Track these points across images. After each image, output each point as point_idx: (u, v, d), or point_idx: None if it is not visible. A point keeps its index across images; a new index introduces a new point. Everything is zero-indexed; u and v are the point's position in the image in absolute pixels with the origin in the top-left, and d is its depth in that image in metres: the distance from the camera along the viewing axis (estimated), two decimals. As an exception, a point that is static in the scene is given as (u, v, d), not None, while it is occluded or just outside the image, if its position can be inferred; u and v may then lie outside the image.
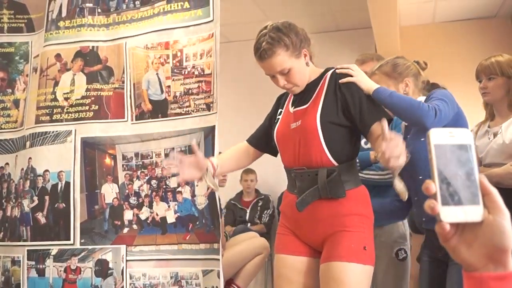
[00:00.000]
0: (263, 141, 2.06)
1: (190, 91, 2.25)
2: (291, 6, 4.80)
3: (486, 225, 0.66)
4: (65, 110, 2.39)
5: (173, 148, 2.25)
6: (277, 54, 1.78)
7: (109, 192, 2.31)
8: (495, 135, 2.23)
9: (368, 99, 1.80)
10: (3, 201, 2.48)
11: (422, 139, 1.95)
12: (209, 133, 2.17)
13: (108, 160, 2.33)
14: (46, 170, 2.35)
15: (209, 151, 2.15)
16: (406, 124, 2.18)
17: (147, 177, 2.29)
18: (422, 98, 1.99)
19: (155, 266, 2.20)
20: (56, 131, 2.37)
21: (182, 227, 2.19)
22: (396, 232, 2.36)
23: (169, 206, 2.23)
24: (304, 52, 1.86)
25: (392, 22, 4.44)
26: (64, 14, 2.50)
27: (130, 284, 2.21)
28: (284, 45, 1.78)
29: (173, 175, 2.24)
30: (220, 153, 3.07)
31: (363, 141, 2.53)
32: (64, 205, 2.30)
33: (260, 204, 4.93)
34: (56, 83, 2.44)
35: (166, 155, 2.26)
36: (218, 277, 2.06)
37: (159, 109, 2.29)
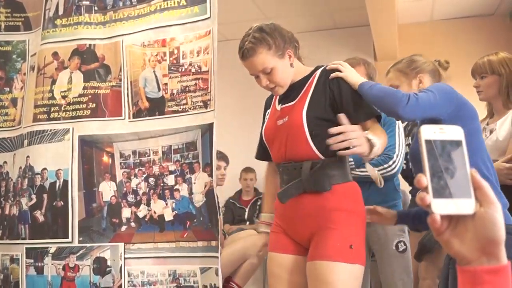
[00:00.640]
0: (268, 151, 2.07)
1: (187, 88, 2.25)
2: (288, 5, 4.80)
3: (478, 218, 0.67)
4: (62, 109, 2.39)
5: (170, 146, 2.25)
6: (258, 53, 1.81)
7: (107, 190, 2.31)
8: (491, 132, 2.25)
9: (357, 95, 1.81)
10: (1, 199, 2.48)
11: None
12: (206, 130, 2.17)
13: (105, 158, 2.33)
14: (44, 169, 2.35)
15: (207, 148, 2.16)
16: (404, 124, 2.19)
17: (144, 175, 2.29)
18: None
19: (153, 264, 2.20)
20: (54, 129, 2.37)
21: (180, 225, 2.19)
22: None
23: (166, 204, 2.23)
24: (288, 52, 1.88)
25: (390, 20, 4.45)
26: (61, 12, 2.50)
27: (129, 281, 2.21)
28: (266, 45, 1.81)
29: (171, 173, 2.24)
30: (218, 152, 3.08)
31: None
32: (62, 203, 2.30)
33: (259, 203, 4.93)
34: (54, 82, 2.44)
35: (164, 152, 2.26)
36: (217, 274, 2.06)
37: (156, 107, 2.29)
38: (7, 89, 2.60)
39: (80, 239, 2.27)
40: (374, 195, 2.29)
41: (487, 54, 2.34)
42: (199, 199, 2.17)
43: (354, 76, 1.85)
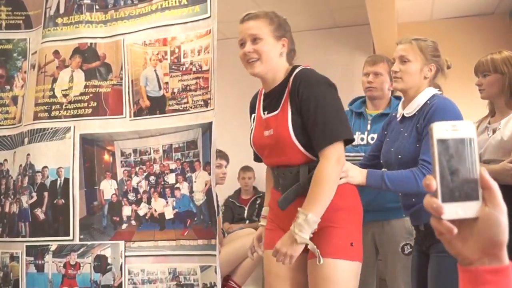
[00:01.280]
0: None
1: (188, 87, 2.25)
2: (288, 3, 4.80)
3: (483, 220, 0.66)
4: (63, 107, 2.40)
5: (171, 145, 2.26)
6: (259, 20, 1.84)
7: (108, 188, 2.32)
8: (494, 131, 2.24)
9: (326, 116, 1.74)
10: (2, 197, 2.48)
11: (388, 139, 2.05)
12: (206, 129, 2.18)
13: (106, 157, 2.34)
14: (45, 167, 2.35)
15: (207, 147, 2.16)
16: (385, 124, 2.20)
17: (145, 173, 2.29)
18: (428, 90, 1.98)
19: (154, 262, 2.21)
20: (55, 127, 2.38)
21: (180, 223, 2.20)
22: (403, 227, 2.39)
23: (167, 202, 2.24)
24: (283, 41, 1.87)
25: (390, 19, 4.44)
26: (62, 10, 2.50)
27: (129, 279, 2.22)
28: (269, 19, 1.85)
29: (171, 171, 2.25)
30: (219, 151, 3.09)
31: (359, 137, 2.55)
32: (63, 201, 2.31)
33: (258, 202, 4.92)
34: (55, 80, 2.44)
35: (164, 151, 2.27)
36: (216, 273, 2.07)
37: (157, 106, 2.30)
38: (8, 87, 2.61)
39: (81, 237, 2.28)
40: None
41: (491, 52, 2.32)
42: (199, 197, 2.18)
43: (358, 178, 1.87)
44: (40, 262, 2.30)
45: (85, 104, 2.37)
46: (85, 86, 2.40)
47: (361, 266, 1.83)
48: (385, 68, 2.57)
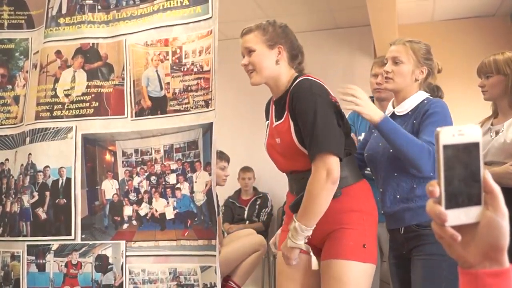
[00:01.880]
0: None
1: (189, 88, 2.26)
2: (289, 4, 4.81)
3: (484, 224, 0.66)
4: (65, 107, 2.40)
5: (172, 145, 2.27)
6: (252, 32, 1.89)
7: (109, 188, 2.32)
8: (497, 133, 2.23)
9: (315, 130, 1.74)
10: (3, 196, 2.49)
11: (375, 135, 1.99)
12: (207, 129, 2.18)
13: (108, 157, 2.34)
14: (47, 166, 2.36)
15: (208, 148, 2.17)
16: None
17: (146, 174, 2.30)
18: (421, 94, 1.98)
19: (154, 262, 2.21)
20: (57, 127, 2.38)
21: (181, 223, 2.21)
22: None
23: (168, 202, 2.25)
24: (279, 48, 1.88)
25: (391, 20, 4.45)
26: (64, 10, 2.51)
27: (130, 279, 2.22)
28: (262, 29, 1.88)
29: (172, 171, 2.25)
30: (220, 152, 3.09)
31: (360, 137, 2.55)
32: (65, 201, 2.32)
33: (258, 202, 4.93)
34: (57, 80, 2.45)
35: (165, 151, 2.28)
36: (216, 273, 2.08)
37: (159, 106, 2.31)
38: (10, 86, 2.61)
39: (83, 236, 2.29)
40: None
41: (494, 53, 2.31)
42: (200, 198, 2.19)
43: (371, 112, 1.79)
44: (41, 261, 2.30)
45: (87, 104, 2.38)
46: (87, 86, 2.41)
47: None
48: None
